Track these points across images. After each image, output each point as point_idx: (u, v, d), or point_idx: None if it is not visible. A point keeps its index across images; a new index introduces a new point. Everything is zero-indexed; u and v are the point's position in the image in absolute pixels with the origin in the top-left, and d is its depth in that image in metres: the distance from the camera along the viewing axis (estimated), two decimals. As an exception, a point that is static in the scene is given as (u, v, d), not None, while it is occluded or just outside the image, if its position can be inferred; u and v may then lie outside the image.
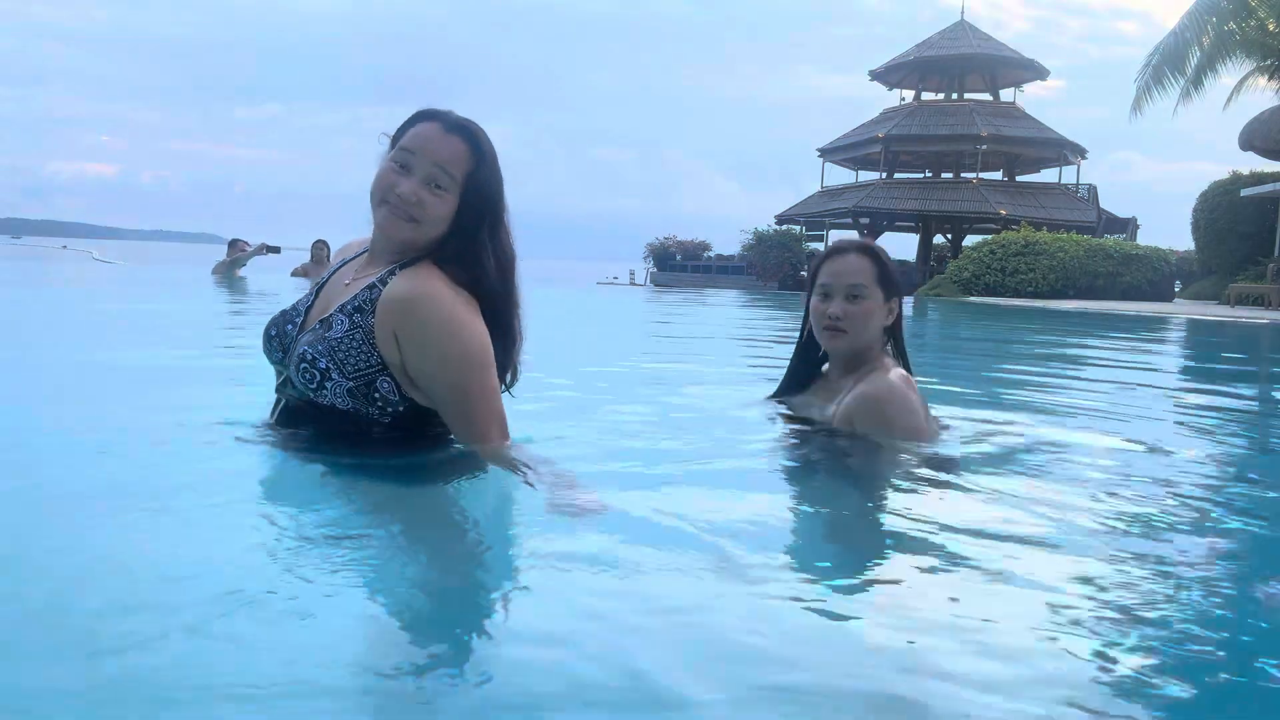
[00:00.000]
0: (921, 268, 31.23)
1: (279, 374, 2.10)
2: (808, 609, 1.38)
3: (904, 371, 2.49)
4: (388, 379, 1.94)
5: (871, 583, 1.57)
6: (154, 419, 2.54)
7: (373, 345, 1.93)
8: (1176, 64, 21.41)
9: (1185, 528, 1.92)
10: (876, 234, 34.64)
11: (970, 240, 29.40)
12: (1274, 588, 1.59)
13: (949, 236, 34.06)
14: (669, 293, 21.09)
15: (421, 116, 2.01)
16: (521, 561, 1.56)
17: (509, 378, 2.11)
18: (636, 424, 2.84)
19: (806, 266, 29.18)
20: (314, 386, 1.95)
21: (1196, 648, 1.30)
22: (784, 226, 33.62)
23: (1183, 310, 16.72)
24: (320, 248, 11.49)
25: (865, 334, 2.45)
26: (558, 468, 1.92)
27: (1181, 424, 3.32)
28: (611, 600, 1.37)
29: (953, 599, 1.44)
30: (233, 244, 12.67)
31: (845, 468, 2.29)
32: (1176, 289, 23.86)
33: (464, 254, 1.97)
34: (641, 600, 1.37)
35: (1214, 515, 2.05)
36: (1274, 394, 5.19)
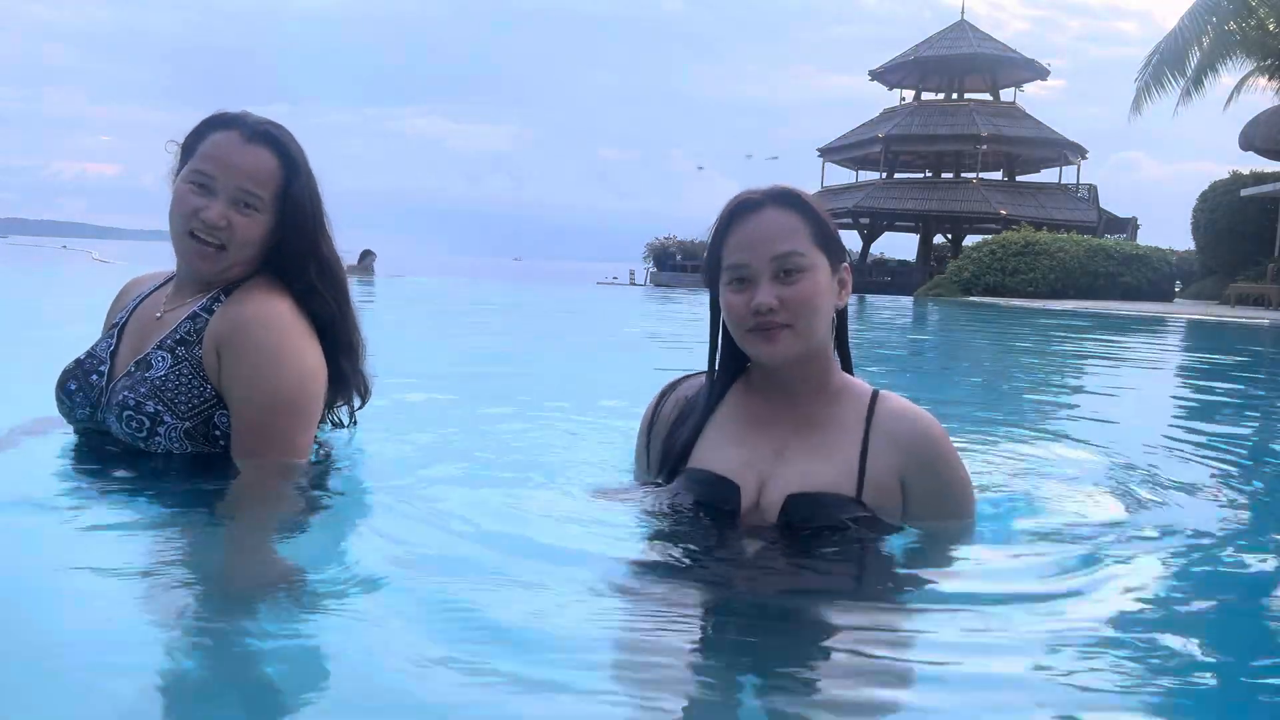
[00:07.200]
0: (922, 268, 31.20)
1: (77, 430, 1.89)
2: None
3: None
4: (224, 412, 1.76)
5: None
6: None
7: (204, 378, 1.75)
8: (1176, 64, 21.38)
9: (1181, 532, 1.93)
10: (876, 234, 34.64)
11: (970, 240, 29.38)
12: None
13: (949, 236, 34.03)
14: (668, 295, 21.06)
15: (215, 124, 1.79)
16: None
17: (361, 393, 1.94)
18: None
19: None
20: (144, 435, 1.74)
21: (1193, 651, 1.31)
22: (784, 226, 33.48)
23: (1183, 310, 16.70)
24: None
25: (819, 325, 1.57)
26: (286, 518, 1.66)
27: (1180, 425, 3.32)
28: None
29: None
30: None
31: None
32: (1177, 289, 23.84)
33: (289, 273, 1.81)
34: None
35: (1215, 519, 2.06)
36: (1273, 394, 5.19)
